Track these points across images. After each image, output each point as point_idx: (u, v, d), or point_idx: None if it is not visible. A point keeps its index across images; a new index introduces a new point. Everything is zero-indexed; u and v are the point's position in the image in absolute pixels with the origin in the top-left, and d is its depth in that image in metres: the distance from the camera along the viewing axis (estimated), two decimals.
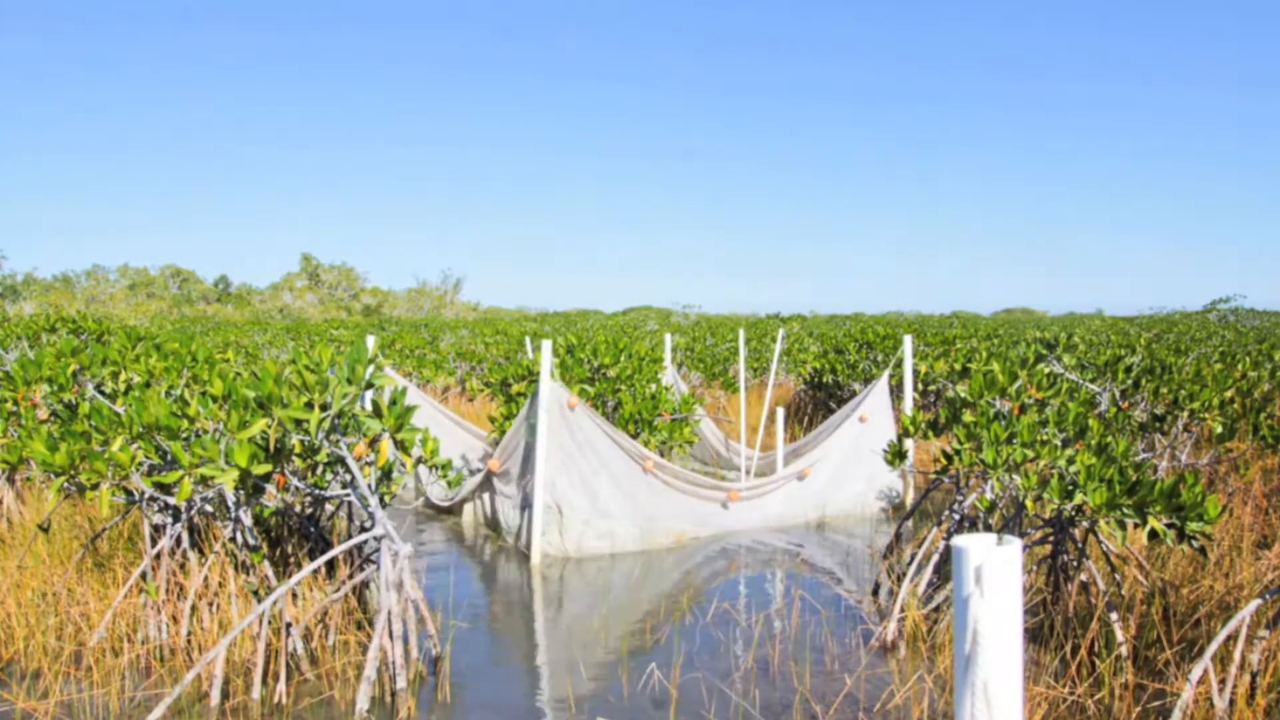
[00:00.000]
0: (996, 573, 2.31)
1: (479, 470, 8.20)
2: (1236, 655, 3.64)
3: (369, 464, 4.70)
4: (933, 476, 5.49)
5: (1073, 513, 4.56)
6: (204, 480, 4.43)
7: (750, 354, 16.00)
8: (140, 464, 4.50)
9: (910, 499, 8.72)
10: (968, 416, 5.15)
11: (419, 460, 4.95)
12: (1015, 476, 4.70)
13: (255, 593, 4.75)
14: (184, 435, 4.52)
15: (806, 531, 7.89)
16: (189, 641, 4.72)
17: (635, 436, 8.07)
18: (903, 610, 5.02)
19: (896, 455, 5.87)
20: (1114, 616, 4.44)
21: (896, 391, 9.35)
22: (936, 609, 5.04)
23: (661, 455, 8.47)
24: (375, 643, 4.19)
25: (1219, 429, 6.26)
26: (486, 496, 7.83)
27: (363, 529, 5.42)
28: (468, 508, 8.16)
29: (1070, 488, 4.32)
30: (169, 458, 4.54)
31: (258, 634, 4.27)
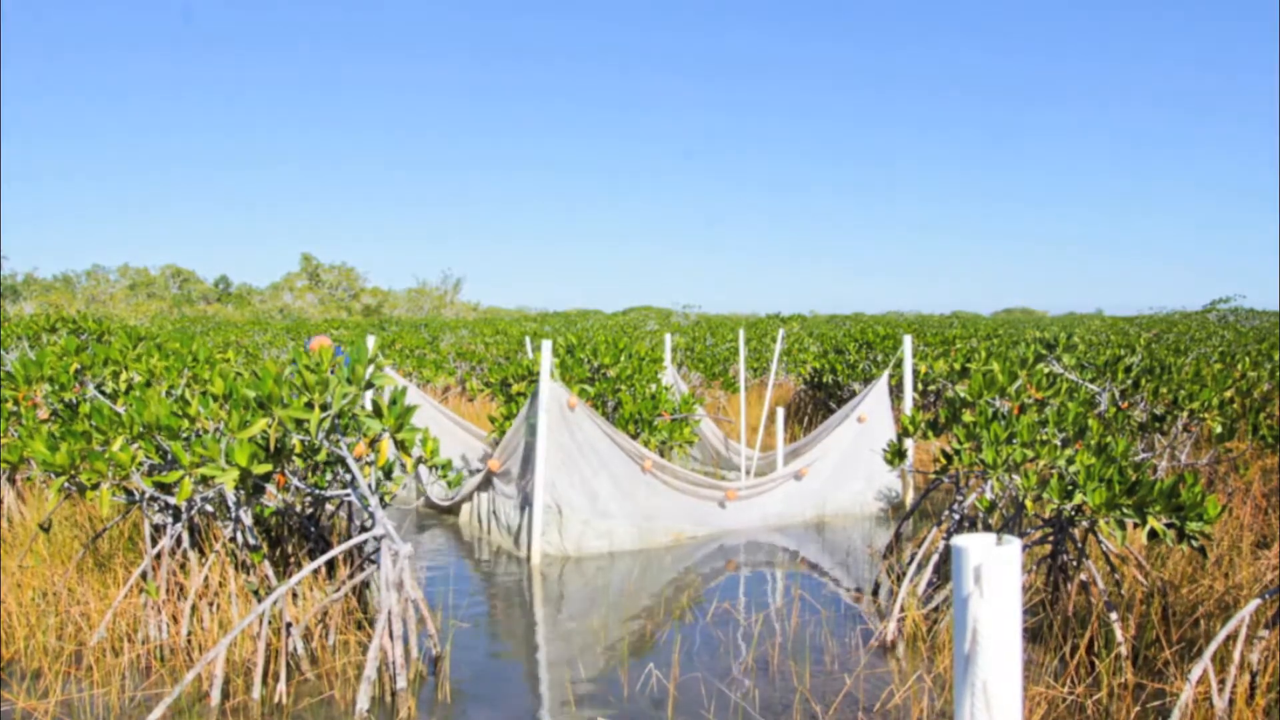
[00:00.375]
0: (996, 572, 2.31)
1: (479, 470, 8.20)
2: (1236, 655, 3.64)
3: (369, 464, 4.70)
4: (932, 476, 5.50)
5: (1072, 513, 4.56)
6: (204, 480, 4.43)
7: (750, 354, 16.00)
8: (141, 464, 4.50)
9: (910, 499, 8.73)
10: (967, 416, 5.15)
11: (419, 460, 4.95)
12: (1015, 476, 4.71)
13: (255, 592, 4.75)
14: (184, 435, 4.53)
15: (806, 531, 7.90)
16: (189, 641, 4.72)
17: (635, 436, 8.08)
18: (902, 610, 5.03)
19: (896, 455, 5.88)
20: (1113, 616, 4.44)
21: (896, 391, 9.36)
22: (936, 609, 5.04)
23: (662, 455, 8.47)
24: (375, 642, 4.19)
25: (1218, 429, 6.26)
26: (486, 496, 7.83)
27: (363, 529, 5.42)
28: (467, 508, 8.17)
29: (1070, 488, 4.33)
30: (169, 457, 4.54)
31: (258, 634, 4.27)
